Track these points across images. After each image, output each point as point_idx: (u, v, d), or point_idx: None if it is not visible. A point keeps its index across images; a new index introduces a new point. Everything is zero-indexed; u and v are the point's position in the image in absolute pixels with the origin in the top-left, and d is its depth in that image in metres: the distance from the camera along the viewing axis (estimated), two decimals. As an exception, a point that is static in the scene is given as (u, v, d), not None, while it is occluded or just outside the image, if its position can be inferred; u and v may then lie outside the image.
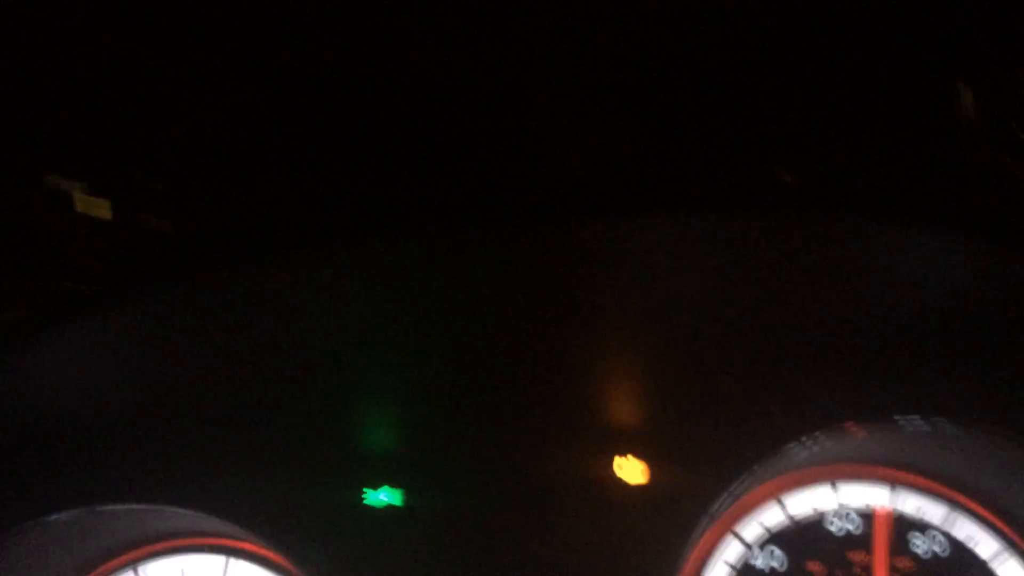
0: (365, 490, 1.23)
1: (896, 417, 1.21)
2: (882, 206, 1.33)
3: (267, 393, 1.26)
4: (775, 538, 1.27)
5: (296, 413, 1.25)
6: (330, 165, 1.32)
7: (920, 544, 1.24)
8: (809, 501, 1.28)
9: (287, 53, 1.19)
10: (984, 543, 1.23)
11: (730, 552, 1.27)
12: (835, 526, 1.26)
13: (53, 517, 1.25)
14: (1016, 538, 1.21)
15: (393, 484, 1.23)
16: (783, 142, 1.45)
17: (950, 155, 1.36)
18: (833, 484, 1.28)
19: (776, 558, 1.26)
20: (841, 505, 1.27)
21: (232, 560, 1.31)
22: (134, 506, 1.25)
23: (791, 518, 1.27)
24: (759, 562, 1.26)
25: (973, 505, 1.24)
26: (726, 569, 1.26)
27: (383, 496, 1.22)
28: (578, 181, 1.39)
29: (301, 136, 1.26)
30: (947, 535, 1.24)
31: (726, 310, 1.32)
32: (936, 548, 1.23)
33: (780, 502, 1.28)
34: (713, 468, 1.25)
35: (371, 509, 1.22)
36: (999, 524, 1.22)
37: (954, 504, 1.25)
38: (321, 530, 1.18)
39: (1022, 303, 1.23)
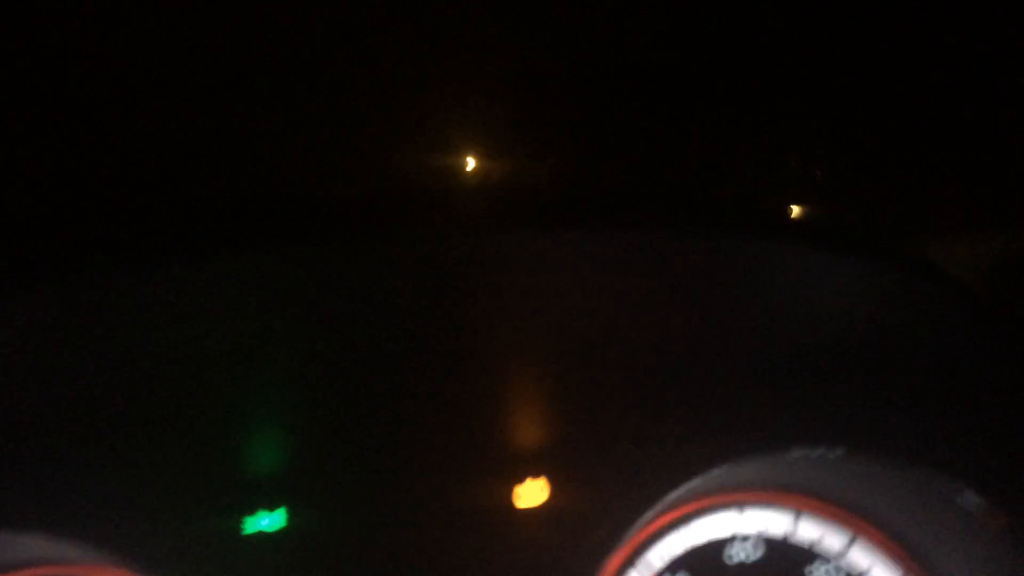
0: (250, 515, 1.12)
1: (797, 448, 1.21)
2: (792, 229, 1.33)
3: (138, 411, 1.13)
4: (681, 564, 1.24)
5: (170, 432, 1.12)
6: (212, 166, 1.19)
7: (816, 573, 1.24)
8: (715, 527, 1.26)
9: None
10: (882, 573, 1.24)
11: (633, 579, 1.23)
12: (738, 554, 1.25)
13: None
14: (914, 567, 1.24)
15: (277, 507, 1.13)
16: (697, 157, 1.42)
17: (865, 181, 1.38)
18: (740, 509, 1.27)
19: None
20: (744, 532, 1.26)
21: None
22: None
23: (697, 544, 1.25)
24: (660, 589, 1.23)
25: (873, 532, 1.25)
26: (630, 597, 1.22)
27: (267, 520, 1.12)
28: (482, 192, 1.32)
29: (193, 130, 1.13)
30: (846, 565, 1.25)
31: (637, 334, 1.28)
32: (833, 577, 1.24)
33: (687, 527, 1.25)
34: (625, 496, 1.21)
35: (254, 534, 1.12)
36: (898, 553, 1.24)
37: (855, 533, 1.26)
38: (198, 557, 1.06)
39: (922, 335, 1.26)
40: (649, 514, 1.21)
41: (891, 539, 1.25)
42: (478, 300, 1.25)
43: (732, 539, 1.26)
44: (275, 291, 1.15)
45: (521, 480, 1.22)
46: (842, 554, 1.25)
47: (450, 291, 1.23)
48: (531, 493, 1.22)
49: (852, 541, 1.26)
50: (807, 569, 1.24)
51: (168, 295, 1.09)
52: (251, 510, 1.12)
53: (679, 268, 1.26)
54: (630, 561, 1.24)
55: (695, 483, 1.22)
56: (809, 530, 1.26)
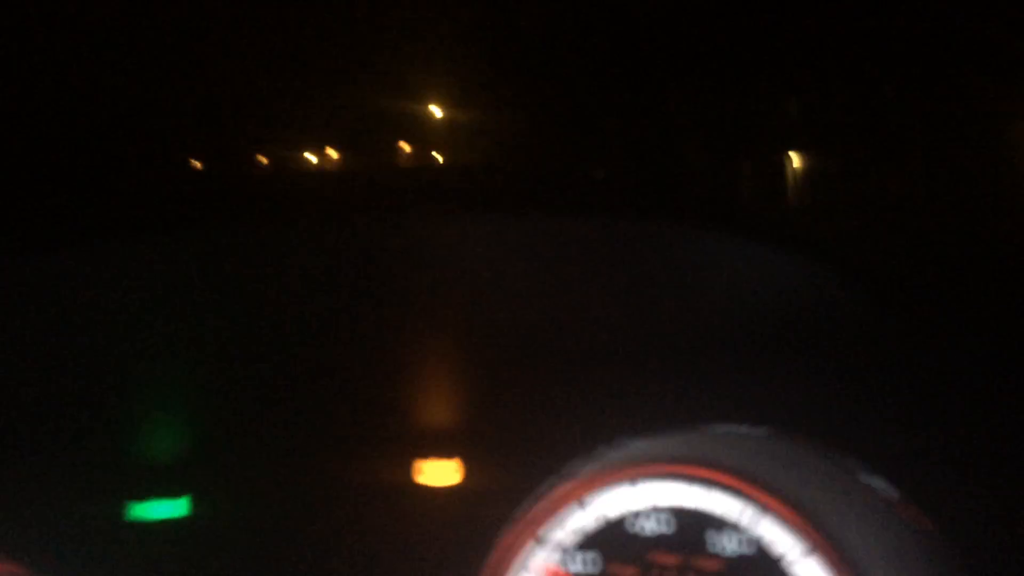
0: (146, 503, 1.18)
1: (707, 424, 1.19)
2: (698, 213, 1.31)
3: (25, 393, 1.20)
4: (583, 542, 1.23)
5: (69, 420, 1.19)
6: (118, 148, 1.26)
7: (724, 544, 1.20)
8: (617, 501, 1.24)
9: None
10: (787, 544, 1.19)
11: (532, 556, 1.23)
12: (638, 527, 1.23)
13: None
14: (818, 539, 1.19)
15: (176, 493, 1.18)
16: (608, 147, 1.42)
17: (771, 168, 1.34)
18: (634, 483, 1.24)
19: (584, 562, 1.22)
20: (644, 505, 1.24)
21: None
22: None
23: (595, 520, 1.23)
24: (565, 567, 1.22)
25: (776, 506, 1.21)
26: (526, 574, 1.22)
27: (164, 509, 1.17)
28: (393, 172, 1.35)
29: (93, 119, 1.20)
30: (750, 535, 1.21)
31: (539, 311, 1.29)
32: (739, 548, 1.20)
33: (582, 503, 1.24)
34: (520, 471, 1.22)
35: (150, 523, 1.17)
36: (802, 526, 1.20)
37: (758, 504, 1.21)
38: (85, 547, 1.13)
39: (830, 317, 1.21)
40: (546, 488, 1.21)
41: (798, 513, 1.20)
42: (385, 281, 1.27)
43: (640, 513, 1.24)
44: (175, 272, 1.19)
45: (420, 458, 1.24)
46: (750, 525, 1.22)
47: (355, 271, 1.26)
48: (433, 472, 1.24)
49: (760, 513, 1.22)
50: (714, 540, 1.21)
51: (68, 277, 1.14)
52: (151, 498, 1.17)
53: (590, 251, 1.26)
54: (525, 540, 1.23)
55: (594, 459, 1.21)
56: (717, 502, 1.23)
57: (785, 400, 1.18)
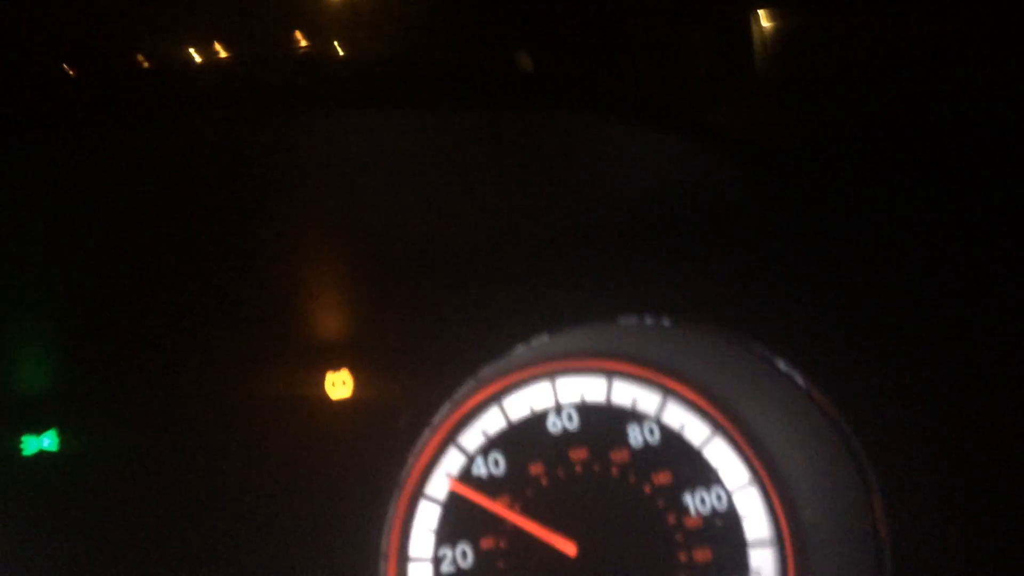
0: (24, 438, 1.04)
1: (620, 318, 1.18)
2: (600, 102, 1.27)
3: None
4: (496, 443, 1.22)
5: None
6: None
7: (635, 435, 1.24)
8: (528, 401, 1.24)
9: None
10: (694, 428, 1.25)
11: (451, 462, 1.20)
12: (554, 425, 1.23)
13: None
14: (724, 422, 1.24)
15: (44, 427, 1.05)
16: (502, 33, 1.35)
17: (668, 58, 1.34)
18: (552, 380, 1.25)
19: (498, 463, 1.21)
20: (559, 403, 1.24)
21: None
22: None
23: (511, 421, 1.23)
24: (480, 469, 1.21)
25: (684, 391, 1.25)
26: (446, 480, 1.20)
27: (45, 442, 1.04)
28: (275, 73, 1.22)
29: None
30: (660, 424, 1.25)
31: (444, 213, 1.23)
32: (650, 437, 1.24)
33: (501, 405, 1.23)
34: (434, 377, 1.17)
35: (23, 457, 1.04)
36: (708, 409, 1.25)
37: (667, 392, 1.25)
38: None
39: (733, 205, 1.23)
40: (462, 392, 1.18)
41: (701, 393, 1.25)
42: (272, 187, 1.17)
43: (547, 411, 1.24)
44: (46, 184, 1.04)
45: (331, 371, 1.17)
46: (657, 413, 1.25)
47: (241, 178, 1.14)
48: (342, 384, 1.18)
49: (665, 399, 1.25)
50: (623, 431, 1.24)
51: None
52: (28, 430, 1.04)
53: (484, 147, 1.20)
54: (445, 446, 1.21)
55: (506, 359, 1.19)
56: (623, 393, 1.26)
57: (688, 289, 1.20)
